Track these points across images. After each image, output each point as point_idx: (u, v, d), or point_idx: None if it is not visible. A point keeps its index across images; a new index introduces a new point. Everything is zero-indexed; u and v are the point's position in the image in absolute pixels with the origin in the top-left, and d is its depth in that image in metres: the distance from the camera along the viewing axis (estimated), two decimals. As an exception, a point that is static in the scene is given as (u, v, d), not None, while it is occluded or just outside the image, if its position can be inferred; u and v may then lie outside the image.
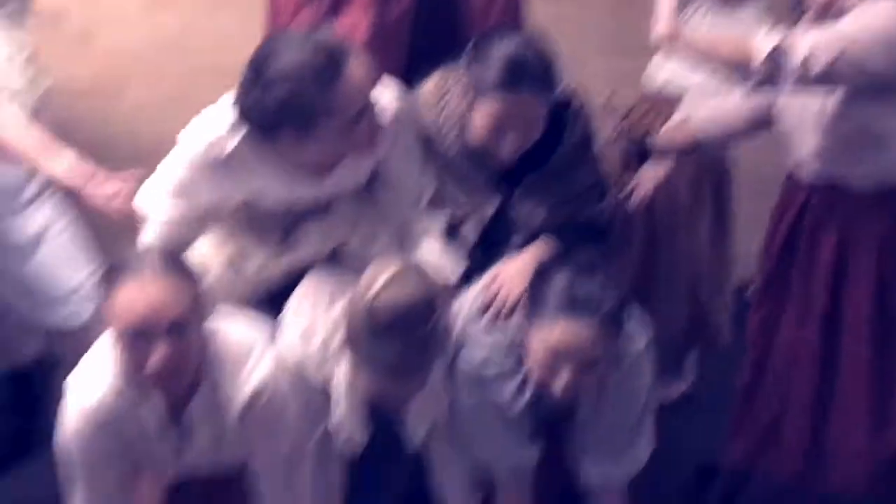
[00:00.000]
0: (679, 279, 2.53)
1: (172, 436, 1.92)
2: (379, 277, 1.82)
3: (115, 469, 1.93)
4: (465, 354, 1.96)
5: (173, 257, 1.84)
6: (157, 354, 1.74)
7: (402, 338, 1.80)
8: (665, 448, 2.27)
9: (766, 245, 2.20)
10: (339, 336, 1.92)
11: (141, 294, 1.75)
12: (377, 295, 1.80)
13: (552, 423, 2.07)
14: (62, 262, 2.14)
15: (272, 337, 1.99)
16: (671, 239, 2.51)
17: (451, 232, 2.13)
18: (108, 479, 1.94)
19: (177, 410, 1.90)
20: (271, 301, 2.10)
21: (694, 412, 2.71)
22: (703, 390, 2.80)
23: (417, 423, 2.01)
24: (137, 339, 1.75)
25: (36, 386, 2.61)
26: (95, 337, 2.08)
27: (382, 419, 2.04)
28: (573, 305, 1.80)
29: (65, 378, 2.10)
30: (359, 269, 1.92)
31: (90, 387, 1.86)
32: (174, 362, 1.76)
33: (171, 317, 1.75)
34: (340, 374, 1.95)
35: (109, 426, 1.87)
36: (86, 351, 1.97)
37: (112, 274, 1.79)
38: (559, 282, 1.84)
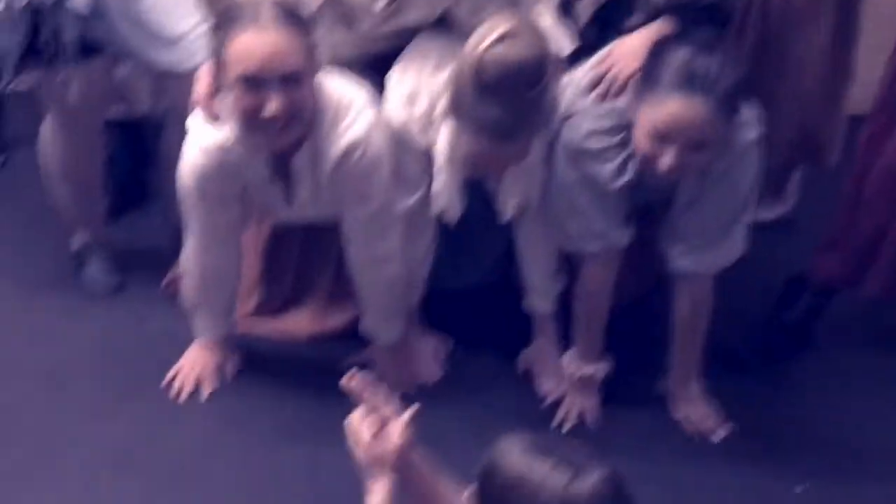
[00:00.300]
0: (790, 88, 2.43)
1: (279, 185, 1.97)
2: (492, 32, 1.77)
3: (227, 209, 2.01)
4: (570, 127, 1.93)
5: (289, 8, 1.83)
6: (272, 103, 1.76)
7: (508, 96, 1.77)
8: (757, 265, 2.26)
9: (888, 69, 2.11)
10: (444, 101, 1.91)
11: (259, 42, 1.76)
12: (488, 49, 1.76)
13: (648, 207, 2.05)
14: (173, 5, 2.14)
15: (375, 99, 1.98)
16: (784, 44, 2.38)
17: (566, 8, 2.07)
18: (221, 217, 2.03)
19: (283, 161, 1.94)
20: (376, 67, 2.09)
21: (791, 234, 2.67)
22: (803, 213, 2.74)
23: (510, 197, 2.01)
24: (253, 86, 1.77)
25: (148, 137, 2.69)
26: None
27: (479, 191, 2.05)
28: (689, 81, 1.75)
29: (174, 129, 2.18)
30: (466, 37, 1.89)
31: (209, 128, 1.90)
32: (287, 111, 1.79)
33: (287, 66, 1.77)
34: (442, 140, 1.95)
35: (225, 167, 1.93)
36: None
37: (225, 21, 1.80)
38: (676, 58, 1.77)
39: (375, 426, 1.43)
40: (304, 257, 2.31)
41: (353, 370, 1.46)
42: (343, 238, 2.07)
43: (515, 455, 1.22)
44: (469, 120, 1.82)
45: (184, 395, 2.17)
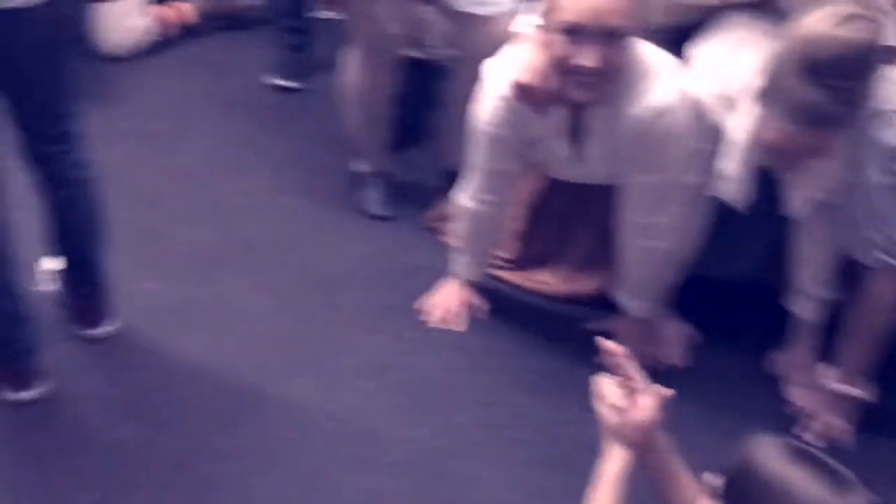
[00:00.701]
0: None
1: (568, 141, 2.01)
2: (830, 14, 1.70)
3: (511, 158, 2.07)
4: (889, 125, 1.81)
5: None
6: (590, 54, 1.80)
7: (835, 81, 1.69)
8: None
9: None
10: (749, 82, 1.86)
11: None
12: (828, 28, 1.69)
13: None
14: None
15: (681, 69, 1.97)
16: None
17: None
18: (503, 165, 2.09)
19: (579, 117, 1.97)
20: (680, 37, 2.07)
21: None
22: None
23: (801, 191, 1.94)
24: (575, 35, 1.81)
25: (433, 80, 2.82)
26: (504, 32, 2.20)
27: (764, 180, 1.99)
28: None
29: (465, 73, 2.27)
30: (786, 18, 1.82)
31: (508, 76, 1.96)
32: (601, 66, 1.82)
33: (612, 21, 1.80)
34: (741, 122, 1.91)
35: (518, 117, 1.98)
36: (494, 44, 2.09)
37: None
38: None
39: (626, 395, 1.44)
40: (568, 216, 2.35)
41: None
42: (619, 203, 2.08)
43: (773, 457, 1.20)
44: (783, 102, 1.74)
45: (433, 324, 2.28)
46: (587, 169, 2.08)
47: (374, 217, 2.62)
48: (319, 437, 2.02)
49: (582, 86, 1.86)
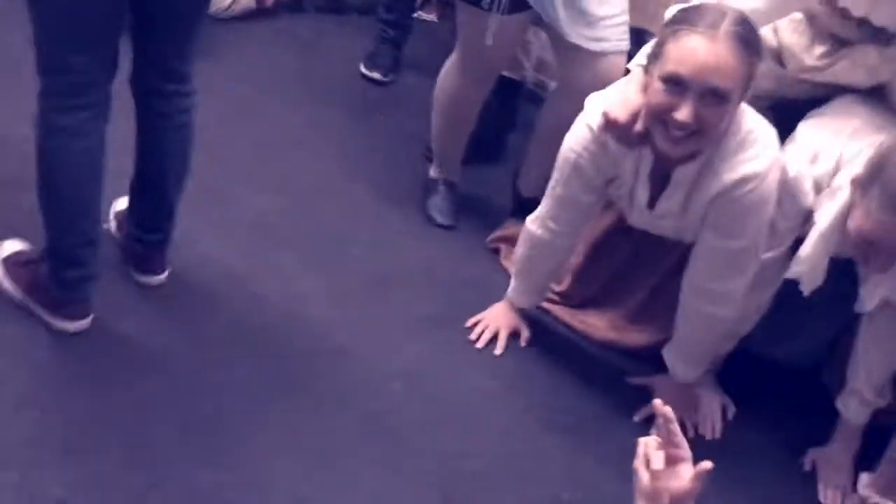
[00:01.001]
0: None
1: (649, 189, 1.99)
2: None
3: (590, 192, 2.05)
4: None
5: (749, 29, 1.80)
6: (686, 109, 1.77)
7: None
8: None
9: None
10: (848, 169, 1.84)
11: (705, 49, 1.75)
12: None
13: None
14: None
15: (781, 142, 1.94)
16: None
17: None
18: (581, 197, 2.07)
19: (665, 168, 1.95)
20: (784, 108, 2.05)
21: None
22: None
23: (879, 287, 1.90)
24: (677, 87, 1.78)
25: (516, 100, 2.82)
26: (612, 70, 2.19)
27: (840, 270, 1.96)
28: None
29: (563, 101, 2.27)
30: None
31: (601, 106, 1.94)
32: (697, 124, 1.79)
33: (719, 82, 1.76)
34: (830, 207, 1.87)
35: (607, 153, 1.96)
36: (601, 81, 2.08)
37: (683, 18, 1.81)
38: None
39: (667, 460, 1.42)
40: (630, 263, 2.32)
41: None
42: (688, 262, 2.06)
43: None
44: (884, 196, 1.71)
45: (480, 343, 2.27)
46: (661, 221, 2.06)
47: (436, 225, 2.61)
48: (344, 426, 2.01)
49: (671, 140, 1.83)
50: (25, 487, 1.74)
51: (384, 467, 1.94)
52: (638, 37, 2.29)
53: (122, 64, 1.93)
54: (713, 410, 2.19)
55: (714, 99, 1.78)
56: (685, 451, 1.41)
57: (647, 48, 1.93)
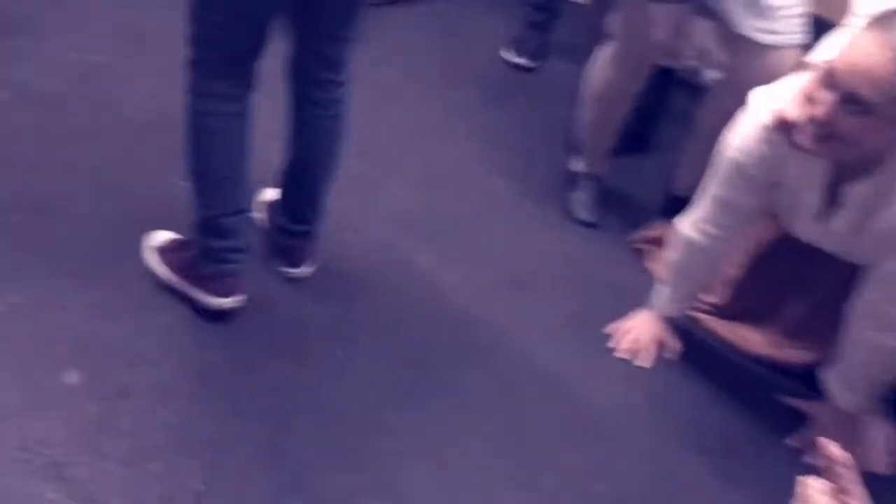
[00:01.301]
0: None
1: (819, 201, 1.82)
2: None
3: (751, 195, 1.90)
4: None
5: None
6: (820, 106, 1.60)
7: None
8: None
9: None
10: None
11: (865, 50, 1.57)
12: None
13: None
14: None
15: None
16: None
17: None
18: (741, 200, 1.91)
19: (840, 179, 1.78)
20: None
21: None
22: None
23: None
24: (828, 84, 1.61)
25: (672, 91, 2.65)
26: (783, 64, 2.01)
27: None
28: None
29: (725, 94, 2.10)
30: None
31: (771, 109, 1.78)
32: (828, 125, 1.61)
33: (864, 90, 1.56)
34: None
35: (773, 154, 1.80)
36: (771, 75, 1.91)
37: (877, 15, 1.62)
38: None
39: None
40: (792, 277, 2.13)
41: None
42: (862, 285, 1.88)
43: None
44: None
45: (624, 354, 2.14)
46: (830, 237, 1.87)
47: (578, 221, 2.48)
48: (482, 435, 1.91)
49: (804, 131, 1.66)
50: (167, 479, 1.71)
51: (518, 485, 1.83)
52: (818, 28, 2.10)
53: (277, 53, 1.88)
54: (881, 444, 1.99)
55: (854, 106, 1.58)
56: (860, 496, 1.25)
57: (826, 41, 1.75)
